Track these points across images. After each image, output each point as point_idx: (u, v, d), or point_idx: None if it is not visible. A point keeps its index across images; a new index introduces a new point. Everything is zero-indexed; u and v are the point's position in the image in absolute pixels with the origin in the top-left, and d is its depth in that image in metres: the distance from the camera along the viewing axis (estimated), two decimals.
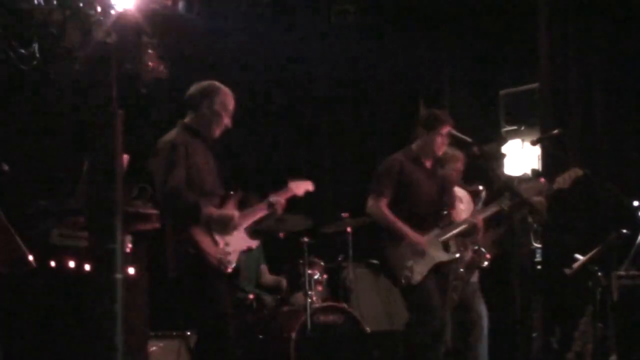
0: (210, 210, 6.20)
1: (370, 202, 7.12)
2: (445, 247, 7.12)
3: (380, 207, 7.02)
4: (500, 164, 8.66)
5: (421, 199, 7.10)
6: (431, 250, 7.00)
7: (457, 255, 7.30)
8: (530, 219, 8.45)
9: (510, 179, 8.52)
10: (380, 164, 7.27)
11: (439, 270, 7.05)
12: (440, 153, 7.25)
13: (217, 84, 6.52)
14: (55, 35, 5.16)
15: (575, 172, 7.44)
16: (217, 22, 9.65)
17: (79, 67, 5.17)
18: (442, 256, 7.06)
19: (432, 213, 7.13)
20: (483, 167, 7.66)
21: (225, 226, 6.26)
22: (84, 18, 5.09)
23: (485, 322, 7.59)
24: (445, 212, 7.24)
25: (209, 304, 6.05)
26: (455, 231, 7.23)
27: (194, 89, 6.52)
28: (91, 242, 4.89)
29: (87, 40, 5.12)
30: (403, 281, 6.87)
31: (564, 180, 7.43)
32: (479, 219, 7.13)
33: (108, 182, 4.81)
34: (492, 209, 7.24)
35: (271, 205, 6.62)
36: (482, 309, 7.62)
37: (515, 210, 7.27)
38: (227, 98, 6.50)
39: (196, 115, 6.44)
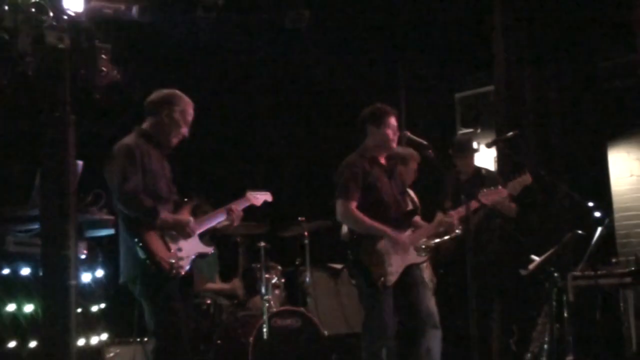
0: (166, 215, 6.17)
1: (340, 208, 6.97)
2: (416, 249, 7.10)
3: (352, 210, 6.92)
4: (470, 158, 8.70)
5: (385, 199, 7.04)
6: (402, 252, 6.95)
7: (426, 257, 7.31)
8: (498, 220, 8.51)
9: (475, 173, 8.58)
10: (340, 167, 7.16)
11: (406, 272, 7.01)
12: (394, 145, 7.17)
13: (179, 93, 6.47)
14: (7, 41, 5.11)
15: (525, 180, 7.46)
16: (171, 26, 9.63)
17: (31, 73, 5.13)
18: (414, 258, 7.04)
19: (398, 214, 7.10)
20: (440, 168, 7.67)
21: (180, 231, 6.23)
22: (36, 23, 5.04)
23: (436, 320, 7.59)
24: (411, 212, 7.21)
25: (160, 310, 6.01)
26: (430, 233, 7.22)
27: (155, 95, 6.48)
28: (44, 248, 4.85)
29: (39, 46, 5.07)
30: (379, 281, 6.82)
31: (513, 186, 7.45)
32: (455, 218, 7.06)
33: (61, 188, 4.77)
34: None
35: (230, 213, 6.61)
36: (434, 308, 7.63)
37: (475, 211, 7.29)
38: (188, 108, 6.46)
39: (155, 122, 6.39)
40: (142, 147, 6.21)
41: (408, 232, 7.07)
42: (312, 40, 10.91)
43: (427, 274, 7.69)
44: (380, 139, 7.08)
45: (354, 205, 6.92)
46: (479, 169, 8.77)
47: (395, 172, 7.26)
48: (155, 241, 6.01)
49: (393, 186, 7.15)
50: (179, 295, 6.08)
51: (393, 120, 7.08)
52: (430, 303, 7.56)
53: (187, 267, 6.18)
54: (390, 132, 7.05)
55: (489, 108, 10.82)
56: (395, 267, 6.88)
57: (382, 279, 6.80)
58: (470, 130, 11.24)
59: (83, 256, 6.61)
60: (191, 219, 6.32)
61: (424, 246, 7.18)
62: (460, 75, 11.17)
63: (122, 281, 6.15)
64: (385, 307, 6.83)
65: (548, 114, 9.82)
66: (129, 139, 6.28)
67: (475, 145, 9.24)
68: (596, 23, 9.61)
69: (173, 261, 6.01)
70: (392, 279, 6.84)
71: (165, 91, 6.48)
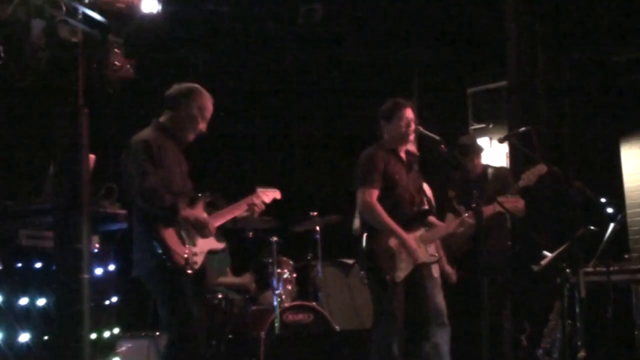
0: (187, 212, 6.16)
1: (362, 196, 6.97)
2: (427, 249, 7.09)
3: (374, 201, 6.87)
4: (478, 157, 8.68)
5: (401, 194, 7.02)
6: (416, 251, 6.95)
7: (437, 257, 7.31)
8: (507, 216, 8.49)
9: (483, 171, 8.55)
10: (360, 157, 7.13)
11: (416, 270, 7.00)
12: (410, 137, 7.15)
13: (199, 87, 6.43)
14: (20, 34, 5.12)
15: (540, 169, 7.46)
16: (183, 22, 9.65)
17: (44, 67, 5.13)
18: (425, 257, 7.03)
19: (412, 211, 7.08)
20: (453, 163, 7.67)
21: (200, 230, 6.23)
22: (49, 17, 5.04)
23: (445, 318, 7.58)
24: (425, 212, 7.18)
25: (174, 304, 6.01)
26: (445, 233, 7.22)
27: (174, 89, 6.45)
28: (57, 242, 4.85)
29: (52, 39, 5.07)
30: (388, 276, 6.81)
31: (529, 177, 7.46)
32: (472, 218, 7.04)
33: (74, 182, 4.77)
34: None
35: (252, 206, 6.60)
36: (442, 304, 7.62)
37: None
38: (207, 103, 6.42)
39: (172, 115, 6.37)
40: (159, 140, 6.19)
41: (421, 231, 7.06)
42: (326, 35, 10.92)
43: (436, 268, 7.66)
44: (394, 132, 7.08)
45: (375, 193, 6.91)
46: (486, 168, 8.73)
47: (413, 167, 7.25)
48: (170, 236, 6.01)
49: (410, 181, 7.14)
50: (193, 289, 6.08)
51: (407, 113, 7.08)
52: (439, 299, 7.57)
53: (201, 262, 6.19)
54: (402, 125, 7.05)
55: (501, 103, 10.81)
56: (405, 264, 6.88)
57: (392, 274, 6.79)
58: (482, 125, 11.23)
59: (95, 250, 6.61)
60: (207, 217, 6.32)
61: (435, 254, 7.20)
62: (473, 70, 11.16)
63: (134, 274, 6.15)
64: (395, 301, 6.82)
65: (561, 109, 9.80)
66: (146, 133, 6.26)
67: (480, 143, 9.22)
68: (610, 18, 9.58)
69: (187, 256, 6.01)
70: (402, 275, 6.84)
71: (185, 85, 6.45)
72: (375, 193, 6.91)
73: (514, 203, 7.34)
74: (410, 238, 6.91)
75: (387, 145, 7.12)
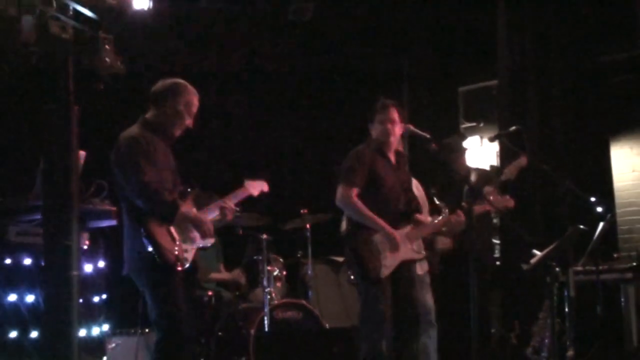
0: (187, 210, 6.16)
1: (341, 193, 6.96)
2: (413, 246, 7.08)
3: (352, 198, 6.89)
4: (462, 157, 8.68)
5: (387, 192, 7.03)
6: (400, 247, 6.95)
7: (424, 255, 7.30)
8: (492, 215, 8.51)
9: (469, 172, 8.56)
10: (347, 156, 7.15)
11: (402, 267, 7.00)
12: (393, 139, 7.15)
13: (184, 83, 6.40)
14: (10, 31, 5.11)
15: (520, 162, 7.47)
16: (175, 18, 9.64)
17: (35, 63, 5.13)
18: (410, 254, 7.02)
19: (398, 209, 7.08)
20: (441, 162, 7.68)
21: (199, 229, 6.23)
22: (40, 13, 5.03)
23: (432, 317, 7.59)
24: (412, 210, 7.18)
25: (164, 301, 5.99)
26: (431, 231, 7.22)
27: (159, 85, 6.41)
28: (46, 239, 4.85)
29: (43, 36, 5.07)
30: (372, 273, 6.81)
31: (510, 171, 7.46)
32: (461, 217, 7.04)
33: (64, 179, 4.77)
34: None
35: (222, 209, 6.57)
36: (430, 302, 7.63)
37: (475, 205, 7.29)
38: (193, 98, 6.39)
39: (159, 112, 6.33)
40: (147, 137, 6.17)
41: (407, 229, 7.06)
42: (316, 33, 10.92)
43: (421, 266, 7.65)
44: (378, 132, 7.08)
45: (354, 192, 6.91)
46: (469, 169, 8.73)
47: (402, 167, 7.25)
48: (160, 233, 5.98)
49: (397, 180, 7.14)
50: (183, 286, 6.06)
51: (390, 113, 7.06)
52: (427, 298, 7.58)
53: (191, 259, 6.18)
54: (386, 126, 7.05)
55: (492, 102, 10.82)
56: (390, 260, 6.86)
57: (375, 271, 6.79)
58: (474, 124, 11.24)
59: (85, 247, 6.61)
60: (205, 217, 6.33)
61: (421, 250, 7.19)
62: (464, 69, 11.16)
63: (125, 272, 6.13)
64: (382, 298, 6.81)
65: (551, 108, 9.81)
66: (133, 130, 6.23)
67: (470, 142, 9.23)
68: (599, 18, 9.60)
69: (178, 253, 6.00)
70: (386, 272, 6.82)
71: (170, 81, 6.42)
72: (354, 191, 6.91)
73: (505, 203, 7.35)
74: (394, 230, 6.92)
75: (373, 144, 7.12)
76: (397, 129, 7.07)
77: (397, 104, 7.16)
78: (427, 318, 7.32)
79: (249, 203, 6.98)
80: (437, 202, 7.17)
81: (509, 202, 7.39)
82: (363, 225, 6.92)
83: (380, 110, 7.08)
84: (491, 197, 7.23)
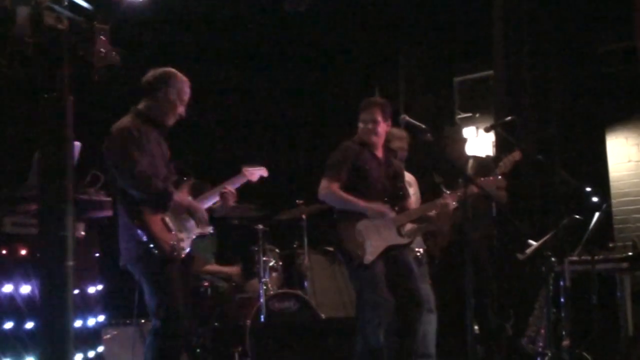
0: (180, 198, 6.16)
1: (322, 185, 7.03)
2: (399, 231, 7.08)
3: (332, 188, 6.95)
4: (460, 147, 8.69)
5: (372, 183, 7.05)
6: (385, 233, 6.96)
7: (410, 240, 7.27)
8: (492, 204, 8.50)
9: (466, 161, 8.57)
10: (335, 149, 7.20)
11: (390, 254, 6.99)
12: (375, 138, 7.18)
13: (175, 71, 6.38)
14: (4, 21, 5.09)
15: (515, 156, 7.45)
16: (168, 8, 9.62)
17: (29, 53, 5.11)
18: (395, 239, 7.03)
19: (384, 199, 7.09)
20: (436, 152, 7.67)
21: (193, 215, 6.24)
22: (34, 3, 5.02)
23: (432, 305, 7.60)
24: (400, 198, 7.19)
25: (160, 291, 5.99)
26: (419, 214, 7.22)
27: (150, 75, 6.39)
28: (42, 229, 4.84)
29: (37, 26, 5.05)
30: (355, 260, 6.82)
31: (505, 164, 7.45)
32: (450, 201, 7.03)
33: (59, 169, 4.76)
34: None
35: (223, 195, 6.56)
36: (428, 290, 7.63)
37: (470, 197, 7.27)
38: (184, 87, 6.38)
39: (151, 102, 6.32)
40: (140, 128, 6.16)
41: (392, 214, 7.06)
42: (311, 23, 10.91)
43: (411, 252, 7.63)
44: (360, 130, 7.17)
45: (336, 185, 6.95)
46: (468, 158, 8.75)
47: (389, 161, 7.26)
48: (155, 223, 5.98)
49: (383, 173, 7.15)
50: (179, 276, 6.06)
51: (371, 113, 7.12)
52: (424, 286, 7.58)
53: (187, 248, 6.18)
54: (366, 125, 7.11)
55: (488, 92, 10.82)
56: (374, 246, 6.87)
57: (360, 257, 6.80)
58: (469, 114, 11.24)
59: (80, 237, 6.60)
60: (199, 204, 6.33)
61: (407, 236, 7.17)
62: (459, 60, 11.17)
63: (122, 264, 6.13)
64: (375, 285, 6.81)
65: (546, 99, 9.81)
66: (126, 121, 6.22)
67: (466, 133, 9.22)
68: (595, 8, 9.60)
69: (174, 242, 6.00)
70: (370, 257, 6.82)
71: (161, 70, 6.40)
72: (335, 185, 6.95)
73: (495, 183, 7.30)
74: (379, 204, 6.94)
75: (358, 139, 7.17)
76: (380, 129, 7.13)
77: (382, 104, 7.20)
78: (426, 306, 7.32)
79: (244, 194, 6.97)
80: (445, 191, 7.16)
81: (499, 181, 7.35)
82: (347, 215, 6.95)
83: (363, 110, 7.16)
84: (482, 179, 7.21)
